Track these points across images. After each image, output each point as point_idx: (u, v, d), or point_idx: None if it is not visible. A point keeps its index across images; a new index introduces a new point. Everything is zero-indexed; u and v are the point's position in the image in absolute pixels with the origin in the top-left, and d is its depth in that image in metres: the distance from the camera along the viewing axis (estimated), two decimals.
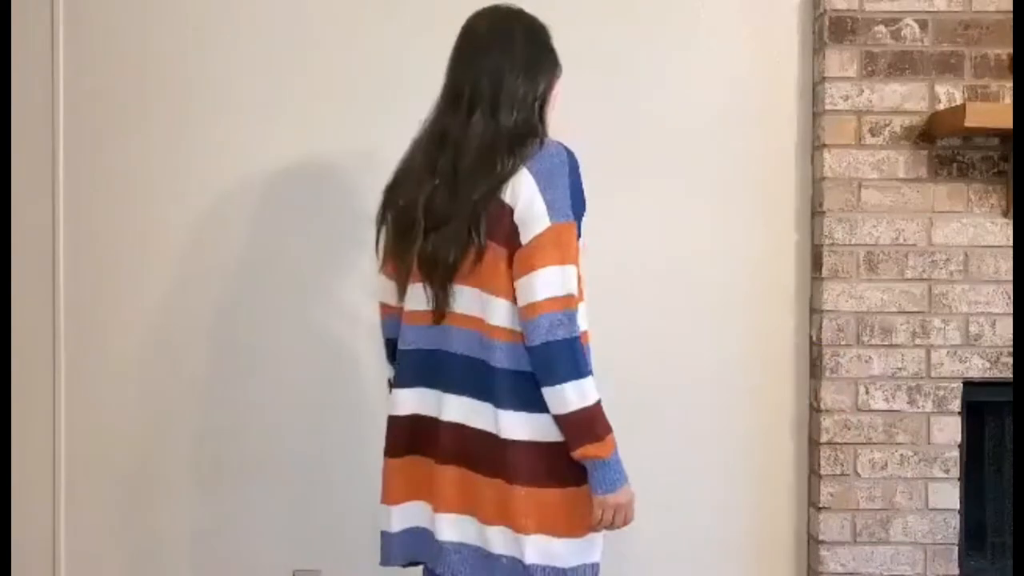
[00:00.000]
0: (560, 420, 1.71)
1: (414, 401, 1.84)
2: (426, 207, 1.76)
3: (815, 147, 2.62)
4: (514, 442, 1.72)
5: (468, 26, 1.84)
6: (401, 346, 1.87)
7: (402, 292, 1.86)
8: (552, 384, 1.69)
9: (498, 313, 1.73)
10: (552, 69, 1.84)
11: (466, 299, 1.76)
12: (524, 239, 1.70)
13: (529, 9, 2.53)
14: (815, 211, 2.62)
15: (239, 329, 2.61)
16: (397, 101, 2.57)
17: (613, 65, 2.60)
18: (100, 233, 2.60)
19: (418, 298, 1.81)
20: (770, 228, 2.64)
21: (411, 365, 1.85)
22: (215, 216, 2.60)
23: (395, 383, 1.89)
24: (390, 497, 1.87)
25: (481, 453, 1.76)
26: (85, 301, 2.61)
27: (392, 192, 1.86)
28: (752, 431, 2.64)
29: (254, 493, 2.62)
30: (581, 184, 1.76)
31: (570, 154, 1.76)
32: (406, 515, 1.86)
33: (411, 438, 1.85)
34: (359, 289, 2.58)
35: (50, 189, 2.59)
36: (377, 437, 2.57)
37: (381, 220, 1.87)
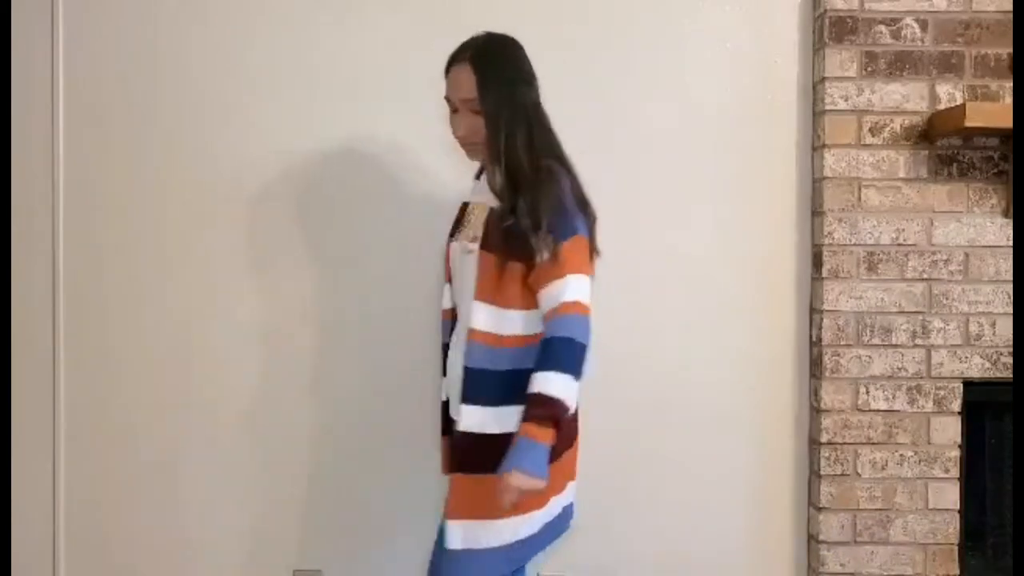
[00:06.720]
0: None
1: None
2: None
3: (815, 147, 2.62)
4: None
5: None
6: None
7: None
8: None
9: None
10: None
11: None
12: None
13: (532, 10, 2.56)
14: (815, 211, 2.62)
15: (238, 329, 2.61)
16: (402, 98, 2.58)
17: (613, 66, 2.60)
18: (100, 233, 2.60)
19: None
20: (770, 228, 2.64)
21: None
22: (216, 215, 2.60)
23: None
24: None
25: None
26: (85, 301, 2.60)
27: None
28: (752, 431, 2.65)
29: (254, 493, 2.62)
30: None
31: None
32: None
33: None
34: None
35: (50, 190, 2.59)
36: (377, 437, 2.57)
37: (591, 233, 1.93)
